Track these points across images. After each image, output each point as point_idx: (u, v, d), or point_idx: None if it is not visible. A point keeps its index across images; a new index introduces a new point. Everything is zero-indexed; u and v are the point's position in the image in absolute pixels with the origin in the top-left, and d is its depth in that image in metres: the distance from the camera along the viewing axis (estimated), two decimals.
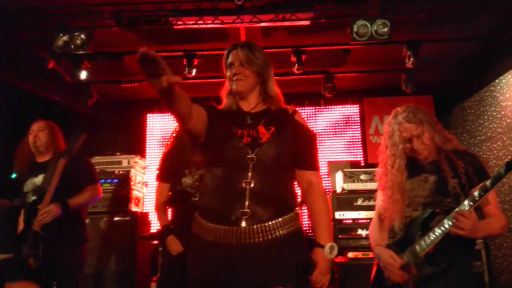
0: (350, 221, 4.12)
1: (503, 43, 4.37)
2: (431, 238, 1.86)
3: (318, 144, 1.82)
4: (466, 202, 1.81)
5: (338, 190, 4.36)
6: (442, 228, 1.84)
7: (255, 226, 1.56)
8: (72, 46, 3.75)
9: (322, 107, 5.99)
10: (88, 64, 4.21)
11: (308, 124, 1.87)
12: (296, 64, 4.46)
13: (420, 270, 1.88)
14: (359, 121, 6.00)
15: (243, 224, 1.56)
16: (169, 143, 3.30)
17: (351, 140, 5.96)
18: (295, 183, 1.78)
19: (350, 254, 3.90)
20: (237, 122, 1.74)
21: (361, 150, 5.90)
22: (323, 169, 5.42)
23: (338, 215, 4.12)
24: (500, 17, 4.04)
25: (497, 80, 4.54)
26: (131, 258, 4.19)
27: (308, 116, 5.96)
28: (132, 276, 4.15)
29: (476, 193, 1.80)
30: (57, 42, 3.78)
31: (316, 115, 6.01)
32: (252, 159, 1.63)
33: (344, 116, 6.02)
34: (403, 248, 1.96)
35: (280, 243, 1.58)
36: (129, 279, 4.14)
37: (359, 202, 4.12)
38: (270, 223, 1.58)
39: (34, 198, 2.79)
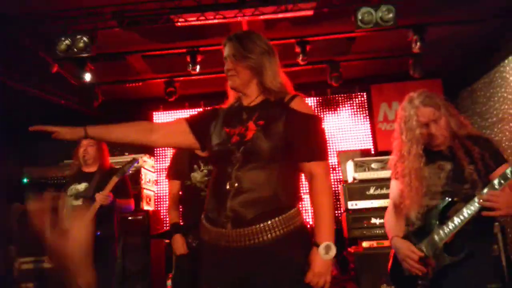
0: (363, 210, 4.09)
1: (511, 23, 4.28)
2: (450, 227, 1.83)
3: (323, 130, 1.62)
4: (485, 191, 1.77)
5: (350, 180, 4.33)
6: (461, 217, 1.81)
7: (239, 229, 1.49)
8: (75, 50, 3.70)
9: (329, 96, 5.94)
10: (92, 66, 4.18)
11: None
12: (300, 55, 4.42)
13: (439, 260, 1.85)
14: (367, 109, 5.95)
15: (228, 226, 1.51)
16: None
17: (360, 128, 5.91)
18: (300, 176, 1.65)
19: (365, 244, 3.88)
20: (232, 121, 1.66)
21: (370, 138, 5.86)
22: (333, 159, 5.38)
23: (351, 205, 4.09)
24: None
25: (506, 61, 4.46)
26: (146, 256, 4.23)
27: (315, 106, 5.92)
28: (147, 274, 4.19)
29: (495, 181, 1.76)
30: (59, 46, 3.74)
31: (323, 105, 5.96)
32: (237, 158, 1.54)
33: (352, 105, 5.97)
34: (421, 237, 1.93)
35: (269, 247, 1.48)
36: (144, 276, 4.17)
37: (371, 191, 4.09)
38: (257, 226, 1.48)
39: (76, 202, 3.12)
